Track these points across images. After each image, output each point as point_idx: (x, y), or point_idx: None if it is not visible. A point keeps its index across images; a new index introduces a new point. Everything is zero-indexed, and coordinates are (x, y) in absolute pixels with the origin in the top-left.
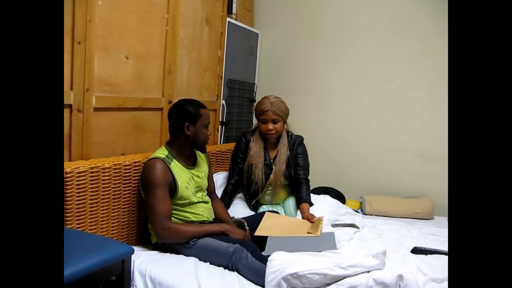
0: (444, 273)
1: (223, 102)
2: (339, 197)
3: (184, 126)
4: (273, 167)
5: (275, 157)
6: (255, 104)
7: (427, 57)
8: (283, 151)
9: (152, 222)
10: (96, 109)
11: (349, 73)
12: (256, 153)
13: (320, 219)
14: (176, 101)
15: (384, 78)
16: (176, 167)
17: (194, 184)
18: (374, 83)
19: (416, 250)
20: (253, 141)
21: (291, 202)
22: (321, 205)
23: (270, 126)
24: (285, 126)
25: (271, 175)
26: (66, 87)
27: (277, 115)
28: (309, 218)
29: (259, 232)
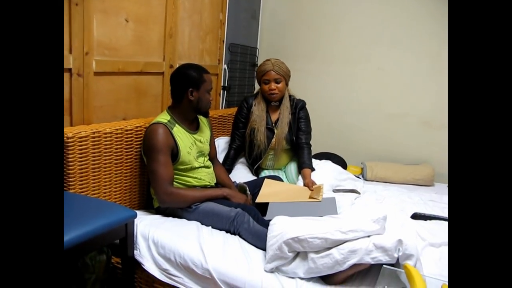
0: (442, 238)
1: (225, 66)
2: (341, 162)
3: (188, 92)
4: (275, 130)
5: (277, 120)
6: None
7: (432, 23)
8: (285, 115)
9: (154, 186)
10: (96, 73)
11: (353, 39)
12: (258, 117)
13: (320, 186)
14: (177, 65)
15: (388, 44)
16: (179, 131)
17: (196, 149)
18: (378, 49)
19: (416, 216)
20: (255, 105)
21: (292, 167)
22: (323, 170)
23: (273, 85)
24: (287, 89)
25: (273, 139)
26: (65, 51)
27: (279, 75)
28: (309, 184)
29: (260, 199)
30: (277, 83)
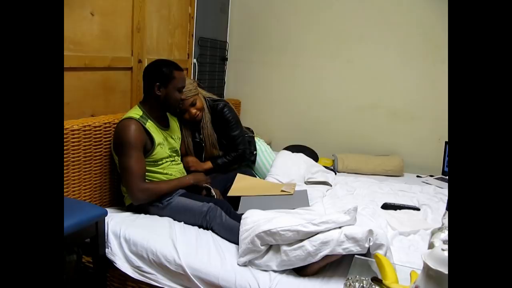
0: (411, 227)
1: (195, 60)
2: (313, 155)
3: (155, 86)
4: (203, 144)
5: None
6: None
7: (401, 15)
8: (207, 124)
9: (128, 183)
10: None
11: (323, 31)
12: (186, 132)
13: (293, 184)
14: (146, 60)
15: (358, 37)
16: (152, 126)
17: (168, 145)
18: (348, 42)
19: (386, 206)
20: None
21: (261, 163)
22: (295, 162)
23: (193, 110)
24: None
25: (204, 152)
26: None
27: (191, 96)
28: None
29: (232, 192)
30: (194, 105)
